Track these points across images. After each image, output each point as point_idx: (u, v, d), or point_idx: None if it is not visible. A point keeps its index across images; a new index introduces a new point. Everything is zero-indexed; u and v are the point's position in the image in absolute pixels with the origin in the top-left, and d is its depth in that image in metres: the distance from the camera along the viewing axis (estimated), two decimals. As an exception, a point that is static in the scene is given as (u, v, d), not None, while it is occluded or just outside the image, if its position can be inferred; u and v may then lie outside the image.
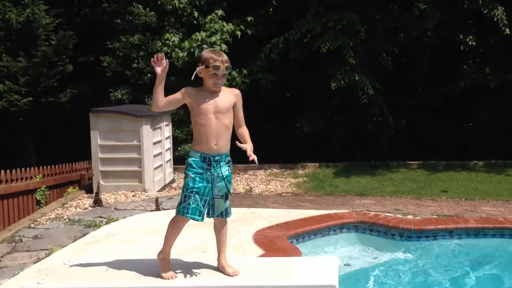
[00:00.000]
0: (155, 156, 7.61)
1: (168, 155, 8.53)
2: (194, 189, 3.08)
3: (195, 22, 10.24)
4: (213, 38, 9.65)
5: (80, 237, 5.05)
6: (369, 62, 9.80)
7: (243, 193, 7.32)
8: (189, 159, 3.15)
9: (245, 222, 5.47)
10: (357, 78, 9.22)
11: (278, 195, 7.10)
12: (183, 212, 3.12)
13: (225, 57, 3.12)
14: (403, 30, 9.97)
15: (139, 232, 5.20)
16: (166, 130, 8.38)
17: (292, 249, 4.51)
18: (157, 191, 7.58)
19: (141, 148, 7.35)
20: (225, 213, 3.31)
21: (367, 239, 5.32)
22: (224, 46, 9.67)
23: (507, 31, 8.70)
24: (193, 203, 3.09)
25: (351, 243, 5.34)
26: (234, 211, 6.07)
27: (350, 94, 9.75)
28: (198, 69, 3.09)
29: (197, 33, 9.71)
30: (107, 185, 7.40)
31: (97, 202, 6.53)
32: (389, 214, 5.62)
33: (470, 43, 9.53)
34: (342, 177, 8.35)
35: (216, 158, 3.13)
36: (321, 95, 10.31)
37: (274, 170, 9.42)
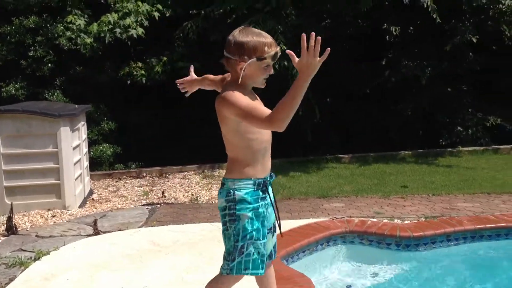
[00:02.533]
0: (74, 164, 6.33)
1: (85, 161, 7.25)
2: (254, 234, 2.21)
3: (102, 1, 8.89)
4: (127, 21, 8.42)
5: (6, 284, 3.81)
6: (298, 48, 9.23)
7: (187, 202, 6.37)
8: (239, 192, 2.33)
9: (218, 242, 4.59)
10: (286, 64, 8.63)
11: (231, 202, 6.25)
12: (241, 269, 2.25)
13: (270, 39, 2.35)
14: (335, 13, 9.53)
15: (87, 267, 4.11)
16: (83, 130, 7.09)
17: (298, 276, 3.77)
18: (79, 207, 6.33)
19: (59, 155, 6.05)
20: (274, 252, 2.51)
21: (359, 251, 4.75)
22: (140, 30, 8.50)
23: (438, 19, 8.66)
24: (254, 253, 2.21)
25: (342, 258, 4.72)
26: (196, 228, 5.21)
27: (280, 82, 9.13)
28: (245, 64, 2.28)
29: (108, 14, 8.40)
30: (15, 204, 5.97)
31: (10, 229, 5.18)
32: (374, 220, 5.10)
33: (395, 33, 9.38)
34: (284, 176, 7.74)
35: (270, 180, 2.34)
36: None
37: (205, 171, 8.53)
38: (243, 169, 2.34)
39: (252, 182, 2.33)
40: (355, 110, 10.27)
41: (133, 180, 8.18)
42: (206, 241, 4.72)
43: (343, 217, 5.26)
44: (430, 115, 10.56)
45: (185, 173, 8.45)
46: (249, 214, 2.27)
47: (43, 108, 6.10)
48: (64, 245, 4.76)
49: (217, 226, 5.09)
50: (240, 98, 2.22)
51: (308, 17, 9.41)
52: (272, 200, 2.41)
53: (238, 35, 2.29)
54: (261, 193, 2.34)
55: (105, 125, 9.00)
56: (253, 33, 2.30)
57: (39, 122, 5.95)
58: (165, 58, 8.99)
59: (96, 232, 5.07)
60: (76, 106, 7.02)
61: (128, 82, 8.96)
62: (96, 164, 8.64)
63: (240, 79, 2.27)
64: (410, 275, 4.48)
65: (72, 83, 8.87)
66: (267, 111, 2.16)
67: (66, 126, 6.06)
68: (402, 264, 4.56)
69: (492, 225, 4.80)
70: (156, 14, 8.83)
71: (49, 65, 8.49)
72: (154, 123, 9.52)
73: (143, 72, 8.86)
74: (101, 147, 8.74)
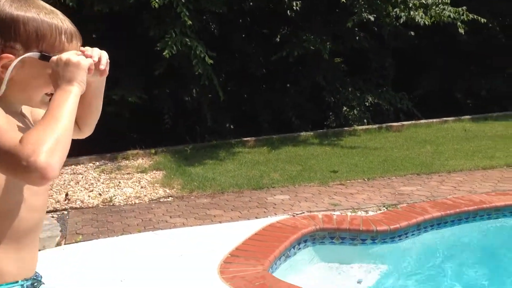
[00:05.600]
0: None
1: None
2: None
3: None
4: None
5: None
6: (198, 25, 8.47)
7: (101, 205, 5.35)
8: None
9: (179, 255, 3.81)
10: (189, 43, 7.83)
11: (156, 202, 5.40)
12: None
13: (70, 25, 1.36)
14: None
15: None
16: None
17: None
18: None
19: None
20: None
21: (331, 251, 4.36)
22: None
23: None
24: None
25: (315, 262, 4.28)
26: (132, 238, 4.27)
27: (178, 62, 8.31)
28: (16, 60, 1.25)
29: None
30: None
31: None
32: (338, 213, 4.73)
33: (295, 8, 9.12)
34: (197, 166, 7.04)
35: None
36: (139, 64, 8.54)
37: (96, 163, 7.39)
38: None
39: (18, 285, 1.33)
40: (250, 91, 9.85)
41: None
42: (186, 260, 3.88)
43: (303, 212, 4.80)
44: (318, 95, 10.59)
45: (73, 167, 7.22)
46: None
47: None
48: None
49: (168, 235, 4.27)
50: None
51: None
52: None
53: (8, 4, 1.26)
54: None
55: None
56: (39, 8, 1.29)
57: None
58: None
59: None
60: None
61: None
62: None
63: (3, 87, 1.25)
64: (393, 270, 4.23)
65: None
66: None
67: None
68: (382, 261, 4.28)
69: (456, 210, 4.75)
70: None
71: None
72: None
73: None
74: None
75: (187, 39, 7.79)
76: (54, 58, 1.28)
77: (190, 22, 7.69)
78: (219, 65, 8.94)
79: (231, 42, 9.55)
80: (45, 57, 1.28)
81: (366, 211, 4.83)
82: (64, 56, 1.27)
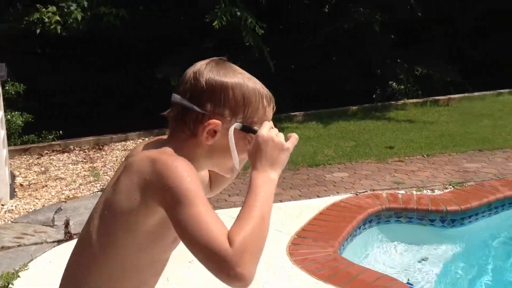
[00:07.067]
0: None
1: (2, 136, 5.76)
2: None
3: None
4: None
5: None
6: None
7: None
8: None
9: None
10: (238, 14, 7.65)
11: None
12: None
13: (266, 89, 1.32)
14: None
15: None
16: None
17: (387, 280, 3.10)
18: (10, 198, 4.99)
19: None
20: None
21: (399, 231, 4.22)
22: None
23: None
24: None
25: (381, 241, 4.14)
26: None
27: (229, 34, 8.14)
28: (220, 126, 1.21)
29: None
30: None
31: None
32: (402, 192, 4.56)
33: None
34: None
35: None
36: (191, 37, 8.42)
37: (146, 139, 7.38)
38: None
39: None
40: (299, 65, 9.61)
41: (59, 155, 6.81)
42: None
43: (366, 191, 4.65)
44: (366, 67, 10.29)
45: (123, 143, 7.23)
46: None
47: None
48: (33, 259, 3.57)
49: (228, 214, 4.20)
50: (189, 176, 1.13)
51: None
52: None
53: (215, 70, 1.23)
54: None
55: (10, 88, 7.34)
56: (242, 73, 1.26)
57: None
58: (84, 2, 7.46)
59: (70, 236, 3.90)
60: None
61: (38, 31, 7.34)
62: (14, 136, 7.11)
63: (198, 147, 1.23)
64: (461, 251, 4.06)
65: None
66: (230, 235, 1.09)
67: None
68: (451, 240, 4.11)
69: (530, 189, 4.51)
70: None
71: None
72: (72, 84, 8.04)
73: (57, 18, 7.28)
74: (8, 116, 7.12)
75: (237, 9, 7.63)
76: (264, 134, 1.22)
77: (240, -7, 7.52)
78: (269, 36, 8.76)
79: (280, 13, 9.33)
80: (249, 130, 1.23)
81: (432, 190, 4.65)
82: (276, 137, 1.22)
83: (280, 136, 1.23)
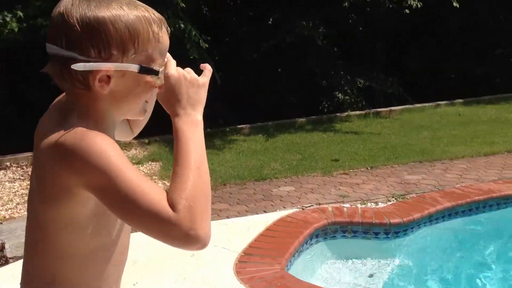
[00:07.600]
0: None
1: None
2: None
3: None
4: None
5: None
6: (190, 8, 8.23)
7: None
8: None
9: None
10: (182, 26, 7.61)
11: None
12: None
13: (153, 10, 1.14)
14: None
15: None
16: None
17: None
18: None
19: None
20: None
21: (344, 245, 4.27)
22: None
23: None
24: None
25: (327, 257, 4.19)
26: (133, 237, 3.88)
27: (172, 47, 8.05)
28: (112, 67, 1.05)
29: None
30: None
31: None
32: (347, 205, 4.64)
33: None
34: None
35: None
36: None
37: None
38: None
39: None
40: (243, 77, 9.67)
41: (-9, 173, 6.51)
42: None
43: (311, 205, 4.69)
44: (310, 79, 10.46)
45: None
46: None
47: None
48: (-35, 287, 3.37)
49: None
50: (101, 149, 1.00)
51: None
52: None
53: (84, 5, 1.04)
54: None
55: None
56: (119, 4, 1.06)
57: None
58: (20, 13, 7.20)
59: (5, 260, 3.71)
60: None
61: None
62: None
63: (99, 101, 1.08)
64: (406, 263, 4.17)
65: None
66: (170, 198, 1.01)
67: None
68: (394, 252, 4.21)
69: (467, 200, 4.70)
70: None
71: None
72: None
73: (-8, 29, 7.00)
74: None
75: (181, 22, 7.58)
76: (174, 73, 1.11)
77: (183, 5, 7.47)
78: (213, 49, 8.75)
79: (224, 26, 9.35)
80: (147, 70, 1.08)
81: (376, 203, 4.75)
82: (188, 73, 1.12)
83: (192, 72, 1.14)
